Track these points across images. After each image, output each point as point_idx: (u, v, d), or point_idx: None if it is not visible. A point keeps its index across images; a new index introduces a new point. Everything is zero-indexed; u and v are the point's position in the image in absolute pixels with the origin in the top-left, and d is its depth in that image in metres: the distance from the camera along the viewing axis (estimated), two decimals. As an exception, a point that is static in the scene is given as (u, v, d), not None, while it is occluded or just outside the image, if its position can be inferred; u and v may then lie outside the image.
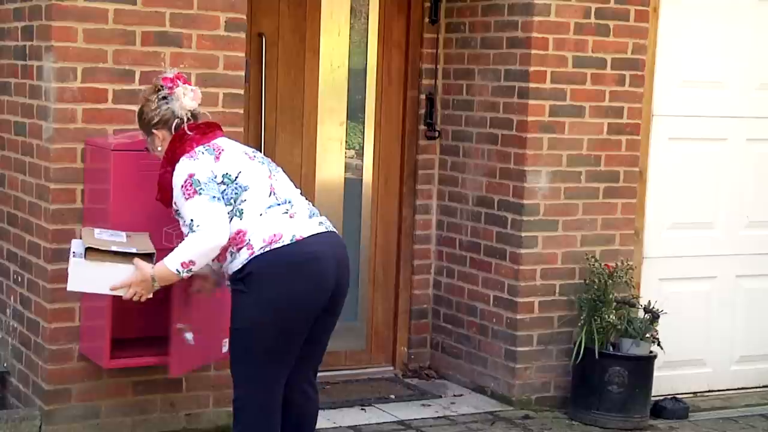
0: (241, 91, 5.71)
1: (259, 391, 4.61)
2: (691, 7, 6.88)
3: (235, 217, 4.55)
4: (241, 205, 4.57)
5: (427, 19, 7.03)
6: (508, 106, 6.53)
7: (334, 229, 4.75)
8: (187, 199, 4.55)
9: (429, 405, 6.58)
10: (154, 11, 5.44)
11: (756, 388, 7.28)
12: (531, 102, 6.40)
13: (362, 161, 7.02)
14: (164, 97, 4.72)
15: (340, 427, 6.10)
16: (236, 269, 4.57)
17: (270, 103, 6.64)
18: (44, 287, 5.41)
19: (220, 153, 4.65)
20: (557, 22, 6.40)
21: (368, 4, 6.97)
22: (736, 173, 7.12)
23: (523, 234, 6.45)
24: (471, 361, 6.84)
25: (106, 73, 5.36)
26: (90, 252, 4.72)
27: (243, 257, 4.55)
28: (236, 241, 4.56)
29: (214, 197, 4.52)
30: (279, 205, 4.63)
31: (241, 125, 5.73)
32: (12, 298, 5.81)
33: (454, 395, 6.76)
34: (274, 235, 4.54)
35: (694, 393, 7.04)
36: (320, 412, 6.23)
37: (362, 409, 6.43)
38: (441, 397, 6.74)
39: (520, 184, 6.45)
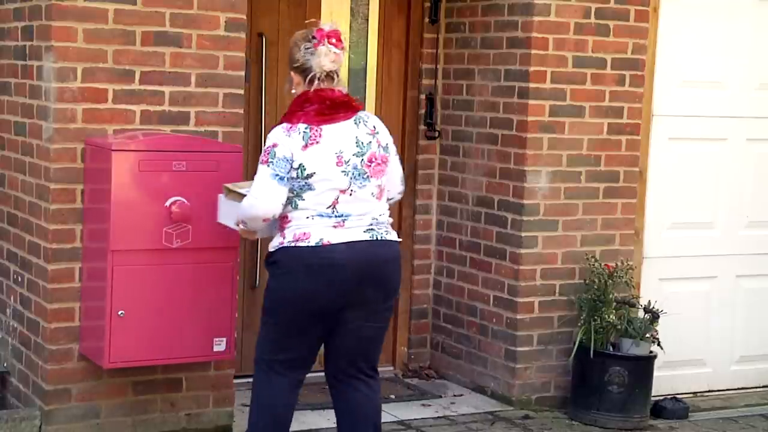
0: (241, 91, 5.71)
1: (266, 360, 4.90)
2: (691, 7, 6.88)
3: (289, 204, 4.72)
4: (299, 200, 4.72)
5: (427, 19, 7.03)
6: (508, 106, 6.53)
7: (388, 238, 4.88)
8: (260, 162, 4.76)
9: (429, 405, 6.58)
10: (154, 11, 5.44)
11: (756, 388, 7.28)
12: (531, 102, 6.40)
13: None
14: (308, 49, 4.76)
15: (340, 427, 6.10)
16: (270, 251, 4.83)
17: (270, 103, 6.63)
18: (44, 287, 5.41)
19: (314, 142, 4.71)
20: (557, 22, 6.40)
21: (368, 4, 6.97)
22: (736, 173, 7.12)
23: (523, 234, 6.45)
24: (471, 361, 6.84)
25: (106, 73, 5.36)
26: (229, 192, 5.10)
27: (276, 242, 4.81)
28: (281, 223, 4.78)
29: (276, 175, 4.67)
30: (330, 217, 4.75)
31: (241, 125, 5.73)
32: (12, 298, 5.81)
33: (454, 395, 6.76)
34: (303, 233, 4.72)
35: (694, 393, 7.04)
36: (319, 411, 6.29)
37: (362, 409, 6.42)
38: (441, 397, 6.74)
39: (520, 184, 6.45)
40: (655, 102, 6.83)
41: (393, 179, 5.00)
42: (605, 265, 6.48)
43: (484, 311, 6.71)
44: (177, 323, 5.27)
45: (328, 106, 4.75)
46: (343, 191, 4.73)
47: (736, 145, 7.11)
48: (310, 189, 4.70)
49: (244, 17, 5.68)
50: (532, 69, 6.38)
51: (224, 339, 5.38)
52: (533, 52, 6.38)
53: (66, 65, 5.29)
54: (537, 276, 6.49)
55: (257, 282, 6.57)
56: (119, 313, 5.14)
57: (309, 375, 6.61)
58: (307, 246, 4.69)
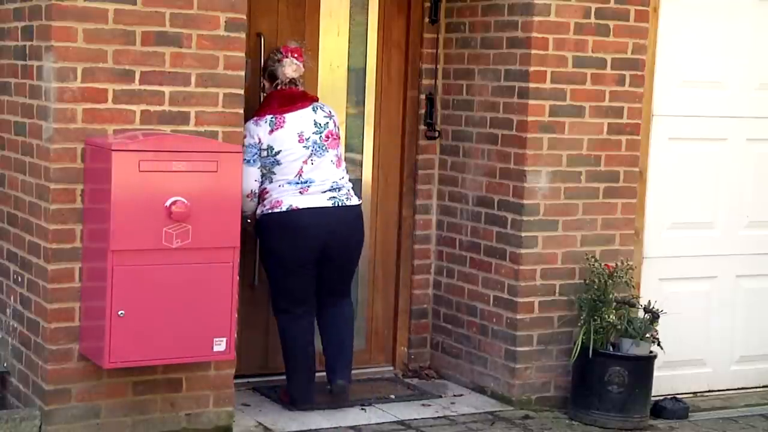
0: (241, 91, 5.71)
1: (282, 309, 6.25)
2: (691, 7, 6.88)
3: (266, 179, 6.09)
4: (271, 174, 6.08)
5: (427, 19, 7.03)
6: (508, 106, 6.53)
7: (348, 203, 6.18)
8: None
9: (429, 405, 6.58)
10: (154, 11, 5.44)
11: (756, 388, 7.29)
12: (531, 102, 6.40)
13: (362, 161, 7.03)
14: (277, 60, 6.18)
15: (341, 427, 6.10)
16: (256, 219, 6.17)
17: (268, 103, 6.63)
18: (44, 287, 5.41)
19: (278, 128, 6.07)
20: (557, 22, 6.40)
21: (368, 4, 6.97)
22: (736, 173, 7.12)
23: (523, 234, 6.45)
24: (471, 361, 6.84)
25: (106, 73, 5.36)
26: None
27: (258, 211, 6.14)
28: (262, 195, 6.11)
29: (246, 160, 5.93)
30: (297, 183, 6.07)
31: (241, 125, 5.73)
32: (12, 298, 5.81)
33: (454, 395, 6.76)
34: (277, 201, 6.06)
35: (694, 393, 7.04)
36: (320, 412, 6.32)
37: (362, 409, 6.43)
38: (441, 397, 6.74)
39: (520, 184, 6.45)
40: (655, 102, 6.83)
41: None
42: (605, 265, 6.48)
43: (484, 311, 6.71)
44: (177, 323, 5.27)
45: (287, 99, 6.12)
46: (305, 161, 6.08)
47: (736, 145, 7.11)
48: (278, 164, 6.06)
49: (244, 17, 5.68)
50: (532, 69, 6.38)
51: (224, 339, 5.38)
52: (533, 52, 6.38)
53: (66, 65, 5.29)
54: (537, 276, 6.50)
55: (256, 280, 6.57)
56: (119, 313, 5.14)
57: (309, 375, 6.71)
58: (280, 211, 6.04)
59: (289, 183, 6.07)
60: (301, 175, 6.08)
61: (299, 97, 6.19)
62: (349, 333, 6.45)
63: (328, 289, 6.33)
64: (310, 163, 6.10)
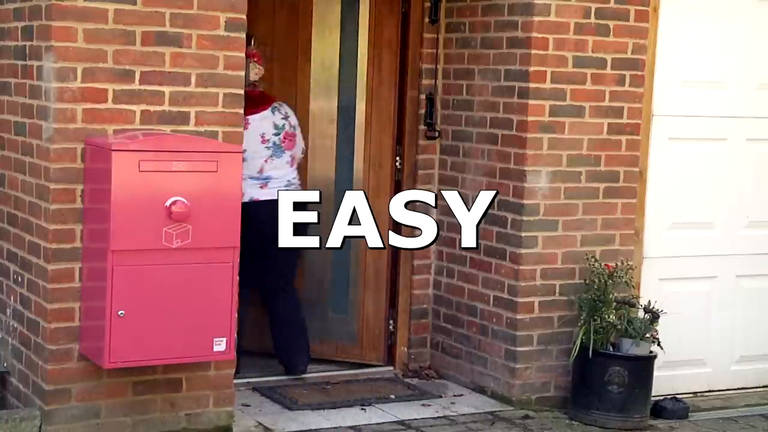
0: (241, 91, 5.71)
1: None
2: (691, 7, 6.88)
3: None
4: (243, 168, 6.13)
5: (427, 19, 7.03)
6: (508, 106, 6.53)
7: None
8: None
9: (429, 405, 6.58)
10: (154, 11, 5.44)
11: (756, 388, 7.28)
12: (531, 102, 6.40)
13: (353, 159, 7.04)
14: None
15: (340, 427, 6.10)
16: None
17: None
18: (44, 287, 5.41)
19: (244, 129, 6.10)
20: (557, 22, 6.40)
21: (358, 5, 6.96)
22: (736, 173, 7.12)
23: (523, 234, 6.45)
24: (471, 361, 6.84)
25: (106, 73, 5.36)
26: None
27: None
28: None
29: None
30: (258, 180, 6.60)
31: (241, 125, 5.73)
32: (12, 298, 5.81)
33: (454, 395, 6.76)
34: (243, 193, 6.22)
35: (694, 393, 7.04)
36: (320, 412, 6.31)
37: (362, 409, 6.43)
38: (441, 397, 6.74)
39: (520, 184, 6.45)
40: (655, 102, 6.83)
41: (298, 146, 6.84)
42: (605, 265, 6.48)
43: (484, 311, 6.71)
44: (177, 323, 5.27)
45: (249, 102, 6.18)
46: (266, 160, 6.60)
47: (736, 145, 7.11)
48: (245, 161, 6.21)
49: (244, 17, 5.67)
50: (532, 69, 6.38)
51: (224, 339, 5.38)
52: (533, 52, 6.38)
53: (66, 65, 5.29)
54: (537, 276, 6.49)
55: None
56: (119, 313, 5.14)
57: (309, 375, 6.76)
58: (244, 202, 5.99)
59: (251, 178, 6.54)
60: (262, 171, 6.60)
61: (259, 99, 6.60)
62: (302, 321, 6.83)
63: (277, 273, 6.76)
64: (270, 162, 6.63)
